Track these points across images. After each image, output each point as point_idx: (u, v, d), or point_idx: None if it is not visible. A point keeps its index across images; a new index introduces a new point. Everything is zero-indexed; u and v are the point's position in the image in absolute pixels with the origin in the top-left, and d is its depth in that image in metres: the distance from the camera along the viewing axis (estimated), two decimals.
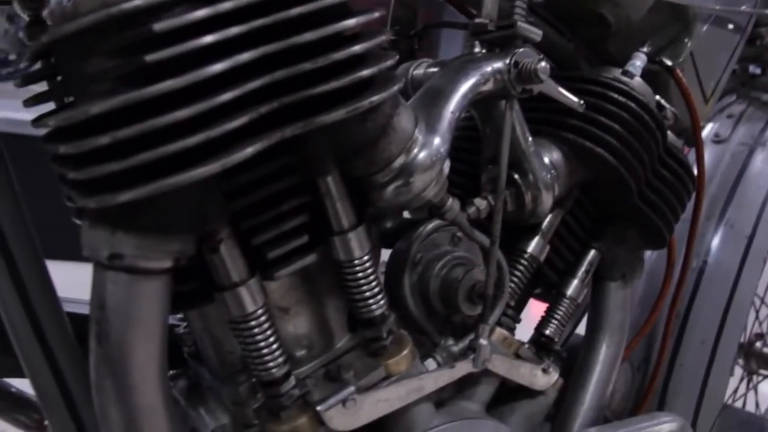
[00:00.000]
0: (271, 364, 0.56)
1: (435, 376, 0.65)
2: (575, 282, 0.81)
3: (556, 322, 0.80)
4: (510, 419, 0.76)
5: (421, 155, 0.58)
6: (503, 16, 0.71)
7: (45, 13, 0.56)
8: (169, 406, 0.54)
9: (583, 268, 0.82)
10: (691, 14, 0.86)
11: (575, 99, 0.73)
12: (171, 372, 0.74)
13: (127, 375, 0.51)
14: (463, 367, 0.67)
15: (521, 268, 0.77)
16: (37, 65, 0.53)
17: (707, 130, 1.17)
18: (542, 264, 0.79)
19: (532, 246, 0.77)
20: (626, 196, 0.78)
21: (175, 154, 0.45)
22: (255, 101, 0.48)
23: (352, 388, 0.59)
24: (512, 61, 0.66)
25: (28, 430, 0.95)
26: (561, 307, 0.81)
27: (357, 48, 0.51)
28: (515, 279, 0.76)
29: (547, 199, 0.73)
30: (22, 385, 0.77)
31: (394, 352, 0.62)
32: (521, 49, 0.67)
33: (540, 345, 0.79)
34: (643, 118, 0.77)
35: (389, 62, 0.54)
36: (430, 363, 0.67)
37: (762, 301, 1.60)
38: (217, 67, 0.45)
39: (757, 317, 1.59)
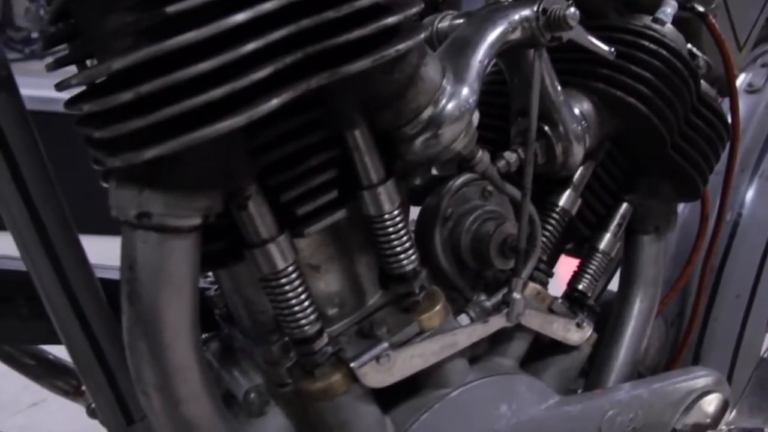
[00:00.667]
0: (303, 321, 0.56)
1: (468, 331, 0.64)
2: (608, 236, 0.80)
3: (589, 276, 0.79)
4: (544, 375, 0.76)
5: (450, 106, 0.57)
6: None
7: None
8: (202, 365, 0.54)
9: (615, 222, 0.80)
10: None
11: (605, 47, 0.71)
12: (204, 335, 0.74)
13: (160, 334, 0.51)
14: (497, 322, 0.66)
15: (553, 221, 0.75)
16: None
17: (740, 80, 1.13)
18: (574, 217, 0.77)
19: (564, 199, 0.76)
20: (659, 146, 0.76)
21: (199, 108, 0.44)
22: (279, 52, 0.47)
23: (385, 344, 0.59)
24: (540, 8, 0.64)
25: (67, 395, 0.97)
26: (594, 262, 0.80)
27: None
28: (547, 233, 0.75)
29: (578, 151, 0.72)
30: (59, 351, 0.78)
31: (426, 308, 0.62)
32: None
33: (573, 300, 0.78)
34: (676, 66, 0.75)
35: (414, 9, 0.52)
36: (463, 318, 0.66)
37: None
38: (240, 17, 0.44)
39: None
